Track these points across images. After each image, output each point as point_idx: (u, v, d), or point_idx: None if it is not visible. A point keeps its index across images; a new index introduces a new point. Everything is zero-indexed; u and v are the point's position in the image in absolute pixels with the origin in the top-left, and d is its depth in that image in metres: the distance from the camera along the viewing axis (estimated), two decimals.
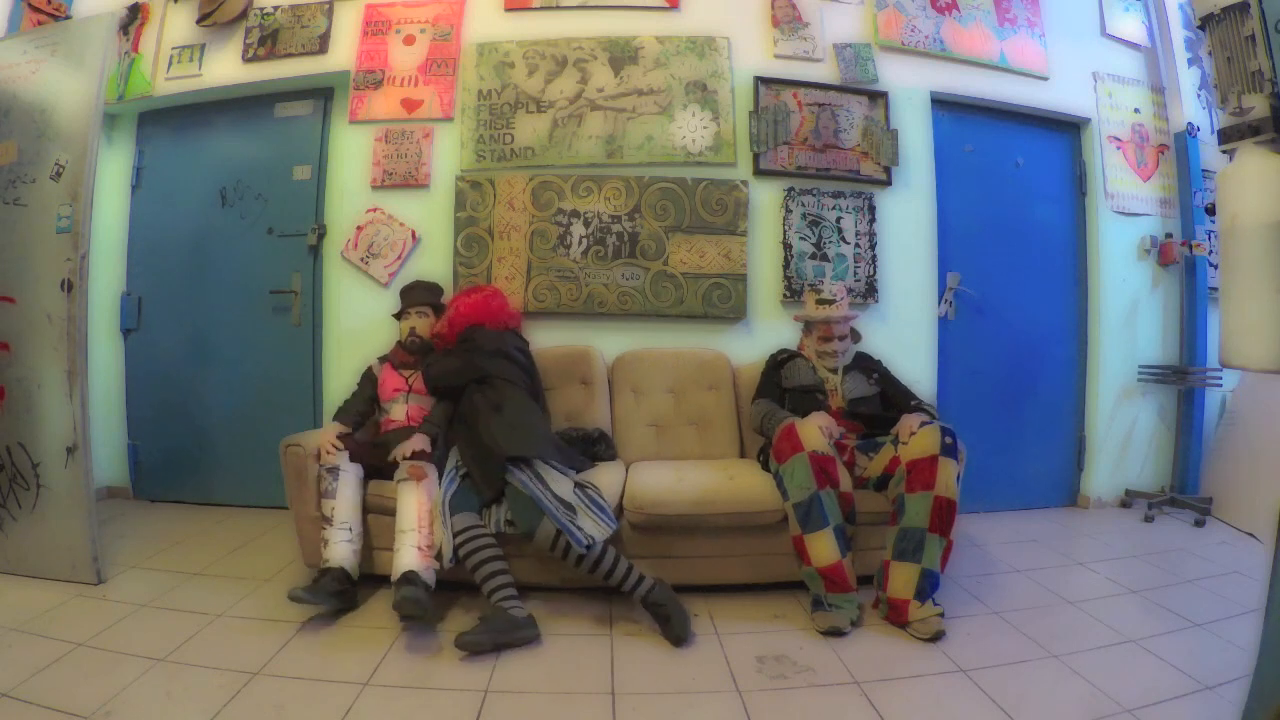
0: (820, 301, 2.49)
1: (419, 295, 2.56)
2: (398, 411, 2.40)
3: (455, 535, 1.96)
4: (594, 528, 1.94)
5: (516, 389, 2.34)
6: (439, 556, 1.94)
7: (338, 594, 1.94)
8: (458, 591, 2.13)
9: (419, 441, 2.15)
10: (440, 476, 2.11)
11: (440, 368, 2.37)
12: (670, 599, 1.90)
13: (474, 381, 2.30)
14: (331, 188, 3.08)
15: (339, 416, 2.34)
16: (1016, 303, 3.28)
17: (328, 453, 2.11)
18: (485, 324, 2.48)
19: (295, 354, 3.11)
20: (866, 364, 2.51)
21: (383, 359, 2.53)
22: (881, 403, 2.39)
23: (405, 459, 2.10)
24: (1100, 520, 3.10)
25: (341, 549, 2.01)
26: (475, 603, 2.07)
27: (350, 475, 2.09)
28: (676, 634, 1.85)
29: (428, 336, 2.51)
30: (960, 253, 3.18)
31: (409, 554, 1.90)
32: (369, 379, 2.50)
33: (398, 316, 2.59)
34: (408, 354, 2.48)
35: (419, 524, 1.94)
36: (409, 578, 1.84)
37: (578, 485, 2.06)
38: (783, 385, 2.45)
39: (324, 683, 1.62)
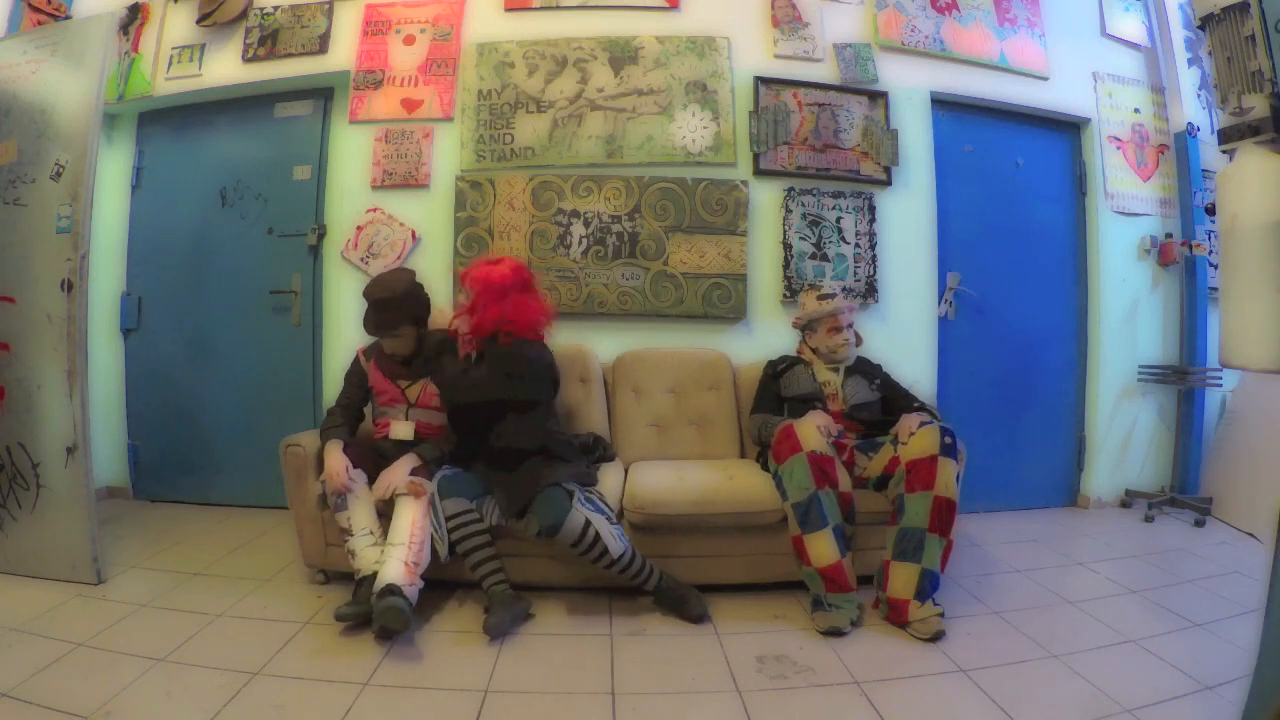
0: (821, 297, 2.49)
1: (393, 318, 2.15)
2: (401, 430, 2.22)
3: (449, 519, 1.99)
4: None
5: (552, 415, 2.24)
6: (434, 551, 1.97)
7: None
8: (453, 590, 2.15)
9: (409, 462, 2.07)
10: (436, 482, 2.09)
11: (470, 386, 2.09)
12: (680, 582, 2.04)
13: (517, 405, 2.11)
14: (331, 188, 3.08)
15: (332, 432, 2.12)
16: (1016, 303, 3.28)
17: (345, 486, 2.01)
18: (527, 334, 2.14)
19: (295, 354, 3.11)
20: (867, 368, 2.50)
21: (368, 352, 2.30)
22: (882, 407, 2.39)
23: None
24: (1100, 520, 3.10)
25: (371, 554, 1.99)
26: (469, 601, 2.10)
27: (357, 483, 2.06)
28: (697, 612, 1.97)
29: (416, 352, 2.24)
30: (960, 253, 3.18)
31: (396, 567, 1.86)
32: (358, 374, 2.29)
33: (369, 328, 2.21)
34: (396, 365, 2.25)
35: (410, 540, 1.92)
36: (392, 589, 1.81)
37: (583, 489, 2.05)
38: (781, 395, 2.44)
39: (324, 683, 1.62)
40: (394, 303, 2.16)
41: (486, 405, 2.09)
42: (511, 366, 2.08)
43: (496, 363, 2.07)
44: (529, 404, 2.12)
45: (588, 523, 1.88)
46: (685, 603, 1.99)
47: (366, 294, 2.20)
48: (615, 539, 1.93)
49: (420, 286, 2.28)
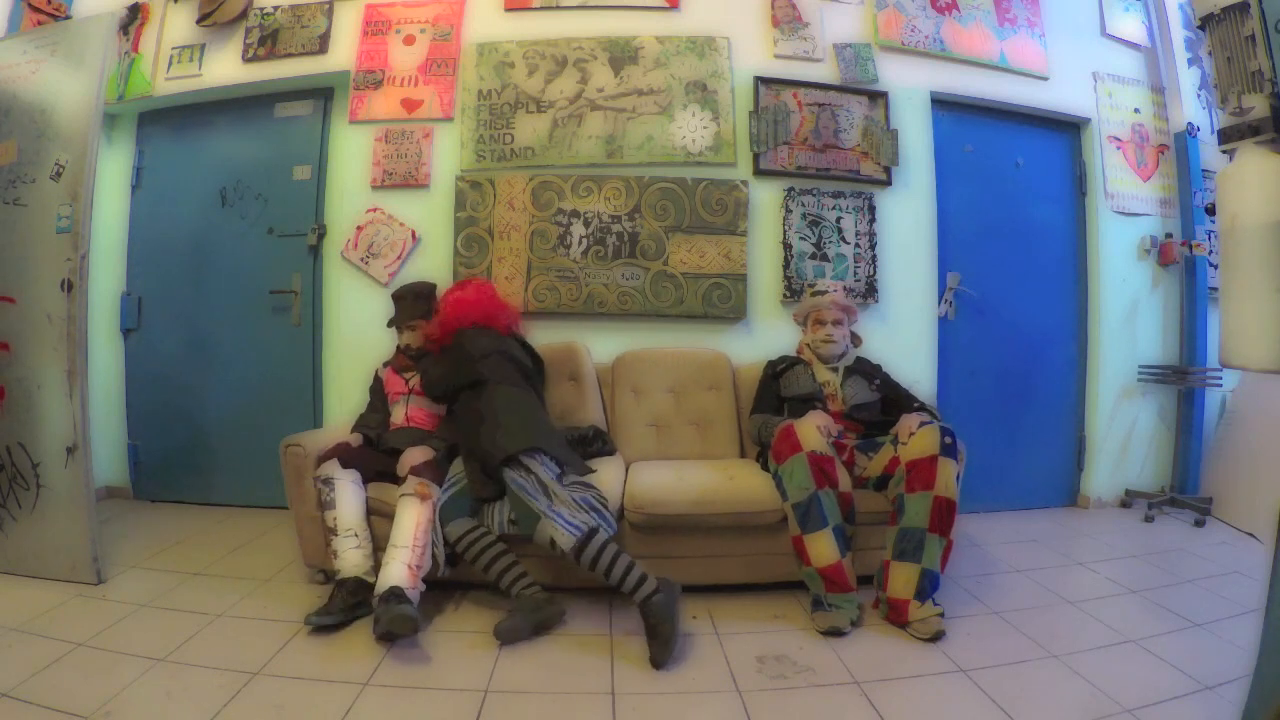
0: (816, 293, 2.53)
1: (409, 309, 2.47)
2: (397, 414, 2.42)
3: (456, 541, 1.98)
4: (583, 516, 1.91)
5: (507, 386, 2.22)
6: (433, 564, 1.96)
7: (354, 605, 1.91)
8: (451, 591, 2.14)
9: (420, 453, 2.12)
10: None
11: (433, 374, 2.31)
12: (664, 614, 1.73)
13: (468, 387, 2.21)
14: (331, 188, 3.08)
15: (355, 429, 2.37)
16: (1016, 303, 3.28)
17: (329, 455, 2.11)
18: (475, 324, 2.34)
19: (295, 354, 3.11)
20: (867, 369, 2.50)
21: (387, 363, 2.55)
22: (882, 407, 2.39)
23: (409, 474, 2.06)
24: (1100, 520, 3.10)
25: (351, 557, 1.99)
26: (468, 601, 2.10)
27: (346, 481, 2.06)
28: (654, 655, 1.71)
29: (421, 345, 2.47)
30: (960, 253, 3.18)
31: (398, 569, 1.85)
32: (377, 383, 2.52)
33: (392, 325, 2.54)
34: (407, 359, 2.49)
35: (414, 542, 1.91)
36: (396, 593, 1.80)
37: (578, 484, 2.04)
38: (781, 395, 2.44)
39: (324, 683, 1.62)
40: (409, 298, 2.48)
41: (454, 393, 2.27)
42: (451, 358, 2.28)
43: (440, 360, 2.34)
44: (478, 382, 2.20)
45: (552, 540, 1.85)
46: (654, 637, 1.73)
47: (404, 292, 2.52)
48: (563, 531, 1.84)
49: (436, 294, 2.54)
